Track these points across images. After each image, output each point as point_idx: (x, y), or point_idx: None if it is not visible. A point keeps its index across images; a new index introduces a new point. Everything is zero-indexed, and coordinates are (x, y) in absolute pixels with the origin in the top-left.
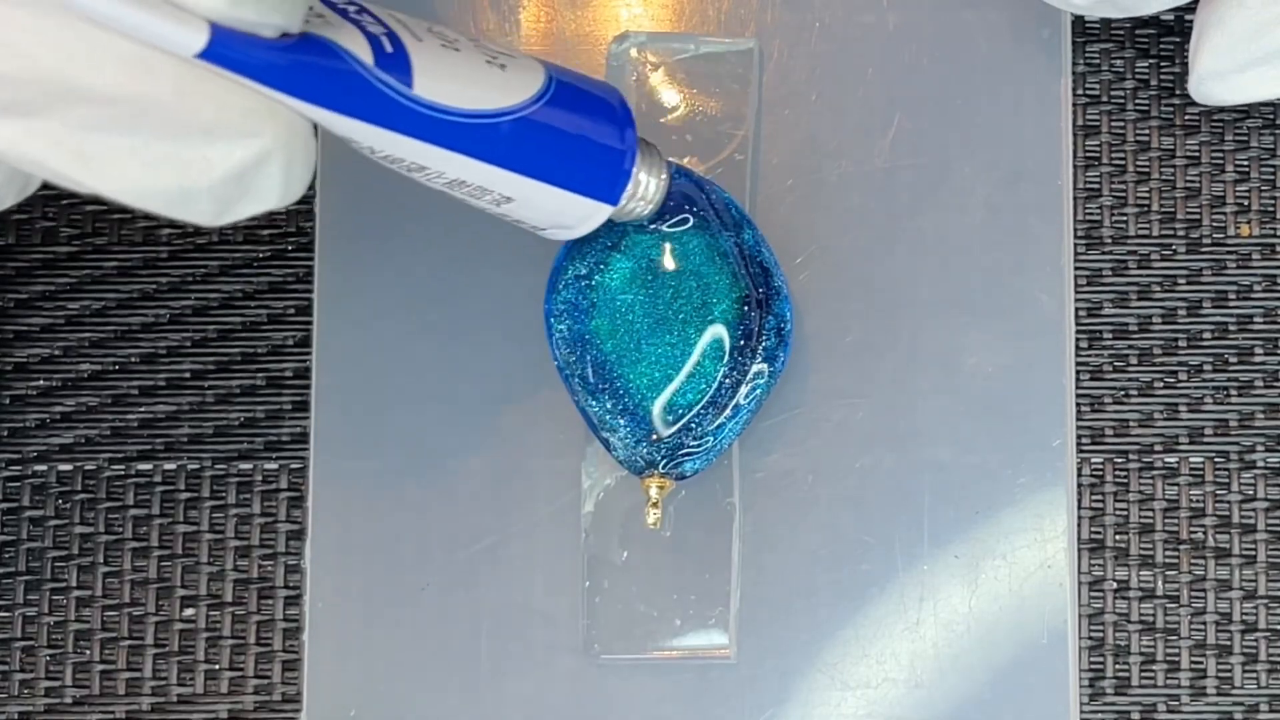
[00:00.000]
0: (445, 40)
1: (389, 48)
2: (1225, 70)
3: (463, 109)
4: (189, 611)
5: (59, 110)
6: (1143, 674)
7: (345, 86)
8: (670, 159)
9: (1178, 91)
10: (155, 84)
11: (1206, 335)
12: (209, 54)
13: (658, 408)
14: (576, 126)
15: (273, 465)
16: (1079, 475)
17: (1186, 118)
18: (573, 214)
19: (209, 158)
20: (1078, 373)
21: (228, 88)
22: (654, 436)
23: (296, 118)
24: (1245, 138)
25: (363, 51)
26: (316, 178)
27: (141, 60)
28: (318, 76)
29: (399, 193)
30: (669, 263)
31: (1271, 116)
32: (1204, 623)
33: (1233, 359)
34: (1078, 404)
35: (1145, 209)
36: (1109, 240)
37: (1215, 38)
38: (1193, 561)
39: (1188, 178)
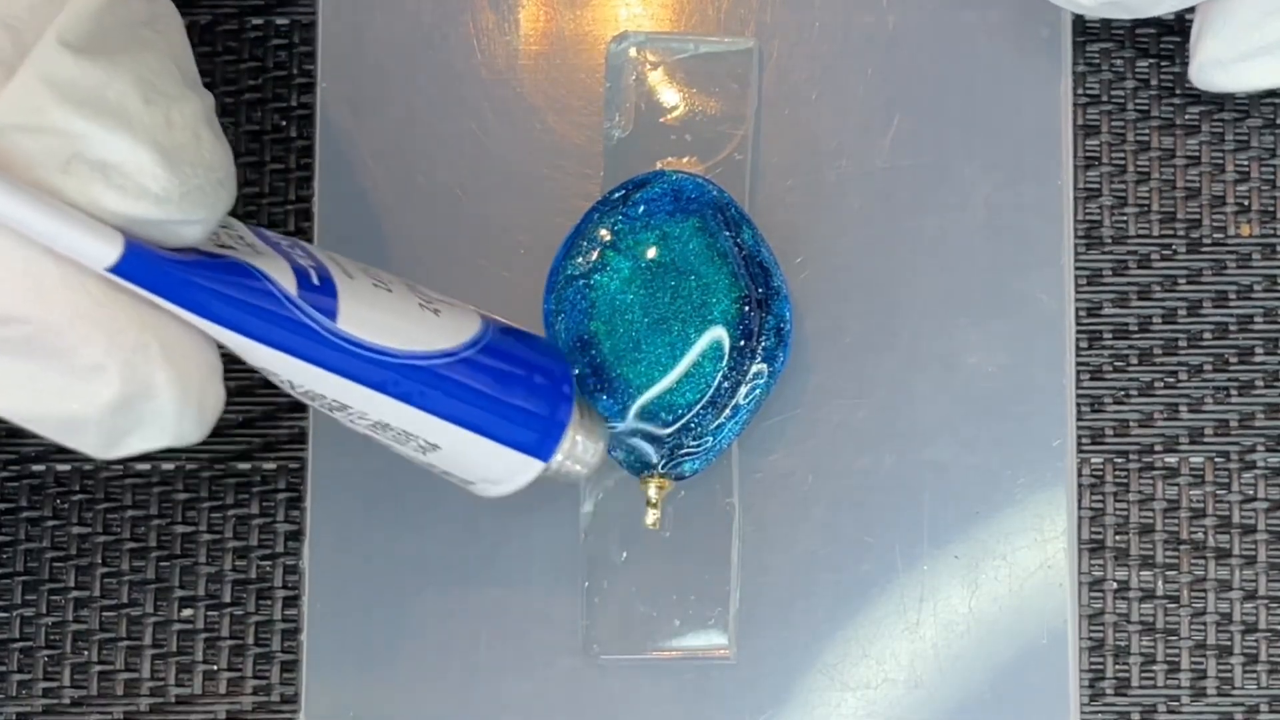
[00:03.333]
0: (378, 281)
1: (315, 280)
2: (1228, 58)
3: (389, 348)
4: (187, 612)
5: None
6: (1143, 675)
7: (262, 313)
8: (669, 159)
9: (1178, 91)
10: (48, 310)
11: (1206, 335)
12: (122, 268)
13: (635, 408)
14: (510, 378)
15: (271, 465)
16: (1079, 475)
17: (1186, 118)
18: (501, 468)
19: (98, 392)
20: (1078, 373)
21: (124, 322)
22: (653, 436)
23: (197, 360)
24: (1245, 138)
25: (286, 280)
26: (315, 179)
27: (36, 285)
28: (234, 299)
29: (399, 192)
30: (668, 263)
31: (1272, 116)
32: (1204, 623)
33: (1233, 359)
34: (1078, 404)
35: (1145, 209)
36: (1109, 240)
37: (1219, 24)
38: (1193, 562)
39: (1188, 178)
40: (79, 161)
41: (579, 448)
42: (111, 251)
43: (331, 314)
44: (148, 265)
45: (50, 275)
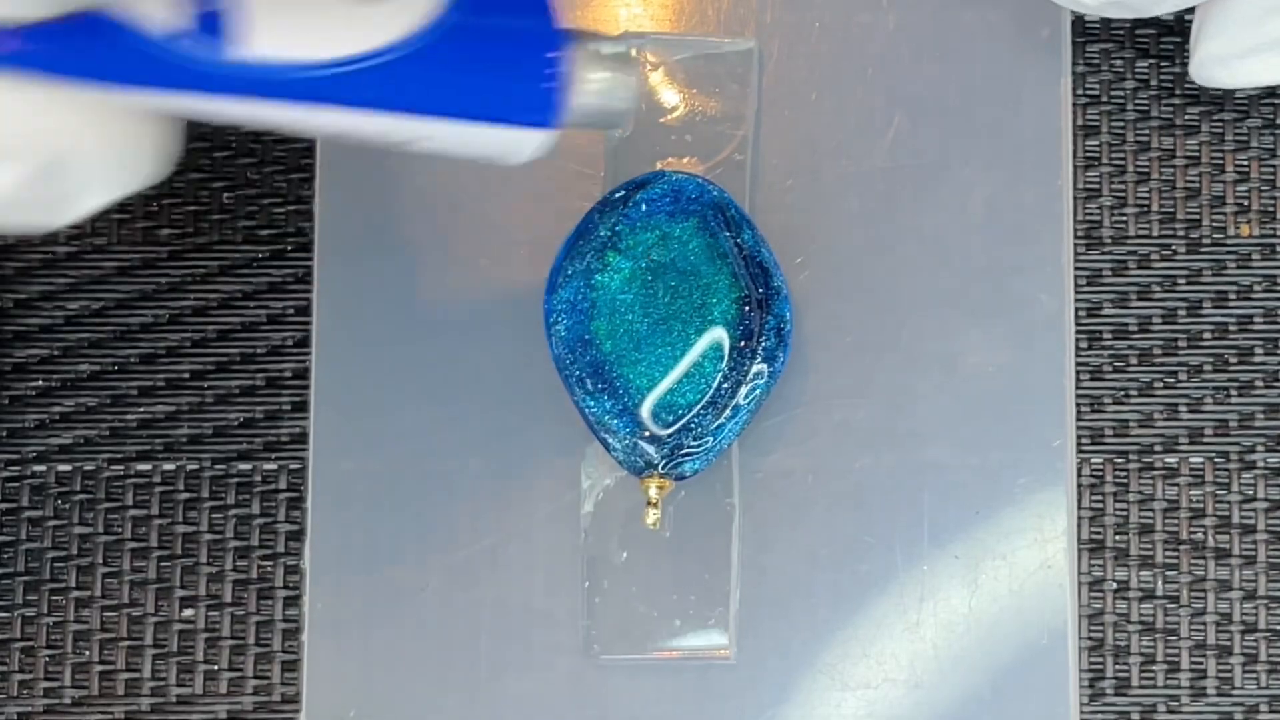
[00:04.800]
0: None
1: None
2: (1228, 55)
3: (319, 60)
4: (188, 612)
5: None
6: (1143, 674)
7: (128, 61)
8: (670, 159)
9: (1178, 91)
10: None
11: (1206, 335)
12: None
13: (646, 408)
14: (485, 50)
15: (272, 466)
16: (1079, 475)
17: (1186, 118)
18: (504, 142)
19: None
20: (1078, 373)
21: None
22: (653, 436)
23: (114, 105)
24: (1245, 138)
25: (162, 12)
26: (315, 178)
27: None
28: (88, 58)
29: (399, 192)
30: (669, 263)
31: (1271, 116)
32: (1204, 623)
33: (1233, 359)
34: (1078, 404)
35: (1145, 209)
36: (1109, 240)
37: (1220, 22)
38: (1193, 562)
39: (1188, 178)
40: None
41: (595, 92)
42: None
43: (221, 40)
44: None
45: None
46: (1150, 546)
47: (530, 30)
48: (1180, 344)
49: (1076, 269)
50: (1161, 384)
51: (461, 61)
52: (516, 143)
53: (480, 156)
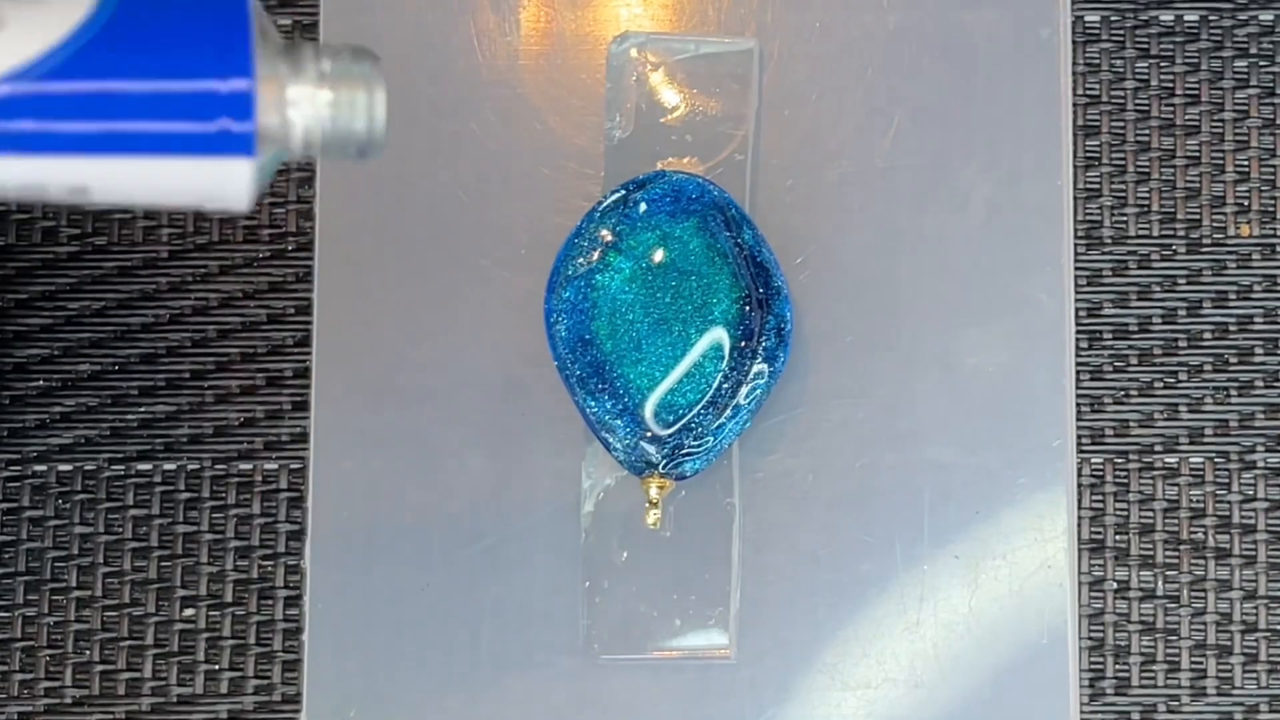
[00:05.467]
0: None
1: None
2: None
3: None
4: (189, 612)
5: None
6: (1143, 674)
7: None
8: (670, 159)
9: (1178, 91)
10: None
11: (1206, 335)
12: None
13: (648, 408)
14: (145, 61)
15: (272, 465)
16: (1079, 475)
17: (1186, 118)
18: (198, 179)
19: None
20: (1078, 373)
21: None
22: (653, 436)
23: None
24: (1245, 138)
25: None
26: (316, 178)
27: None
28: None
29: (399, 192)
30: (669, 263)
31: (1271, 116)
32: (1204, 623)
33: (1233, 359)
34: (1078, 404)
35: (1145, 209)
36: (1109, 240)
37: None
38: (1193, 562)
39: (1188, 178)
40: None
41: (315, 116)
42: None
43: None
44: None
45: None
46: (1150, 546)
47: (197, 42)
48: (1180, 344)
49: (1076, 269)
50: (1161, 384)
51: (102, 90)
52: (216, 179)
53: (185, 202)
